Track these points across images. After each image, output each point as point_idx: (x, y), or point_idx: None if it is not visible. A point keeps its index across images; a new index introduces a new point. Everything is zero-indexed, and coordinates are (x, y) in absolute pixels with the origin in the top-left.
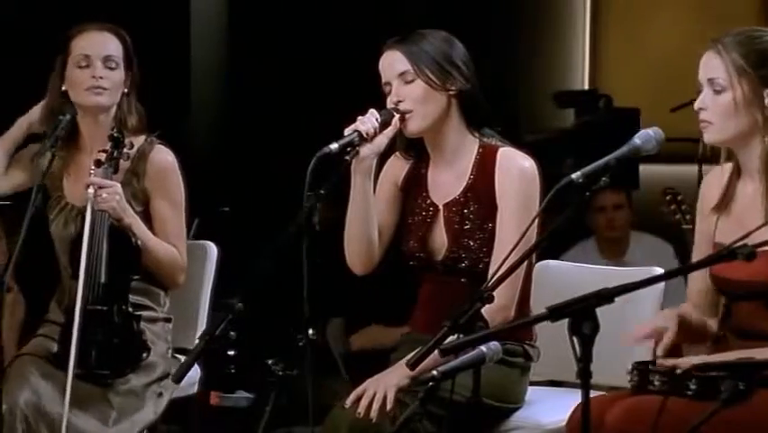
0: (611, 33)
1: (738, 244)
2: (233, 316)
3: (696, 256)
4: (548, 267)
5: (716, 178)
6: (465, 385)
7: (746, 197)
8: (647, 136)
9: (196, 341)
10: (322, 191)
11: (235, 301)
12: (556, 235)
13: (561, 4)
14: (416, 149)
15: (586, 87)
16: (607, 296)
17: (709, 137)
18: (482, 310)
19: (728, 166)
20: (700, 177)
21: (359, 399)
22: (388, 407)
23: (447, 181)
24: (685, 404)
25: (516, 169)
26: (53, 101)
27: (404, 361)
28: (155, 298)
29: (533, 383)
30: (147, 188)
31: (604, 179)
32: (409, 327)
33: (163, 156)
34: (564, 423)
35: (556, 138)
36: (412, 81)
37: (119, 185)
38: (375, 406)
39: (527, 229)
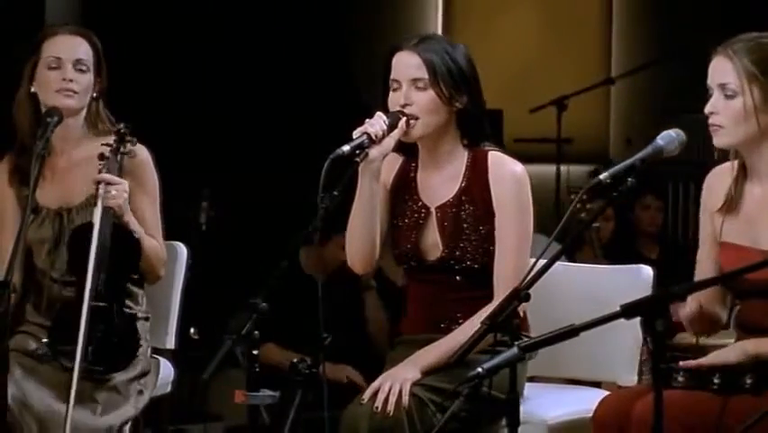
0: (463, 34)
1: None
2: (257, 315)
3: (702, 255)
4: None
5: (718, 178)
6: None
7: (755, 198)
8: (670, 137)
9: (228, 341)
10: (336, 192)
11: (259, 301)
12: None
13: (413, 4)
14: (407, 148)
15: None
16: (679, 294)
17: (719, 141)
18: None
19: (735, 165)
20: (558, 177)
21: (375, 394)
22: (404, 400)
23: (438, 184)
24: (710, 399)
25: (509, 175)
26: (21, 103)
27: (415, 355)
28: (134, 297)
29: None
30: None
31: (631, 180)
32: (401, 329)
33: (139, 152)
34: (565, 418)
35: None
36: (423, 89)
37: (126, 182)
38: (392, 400)
39: (556, 232)
